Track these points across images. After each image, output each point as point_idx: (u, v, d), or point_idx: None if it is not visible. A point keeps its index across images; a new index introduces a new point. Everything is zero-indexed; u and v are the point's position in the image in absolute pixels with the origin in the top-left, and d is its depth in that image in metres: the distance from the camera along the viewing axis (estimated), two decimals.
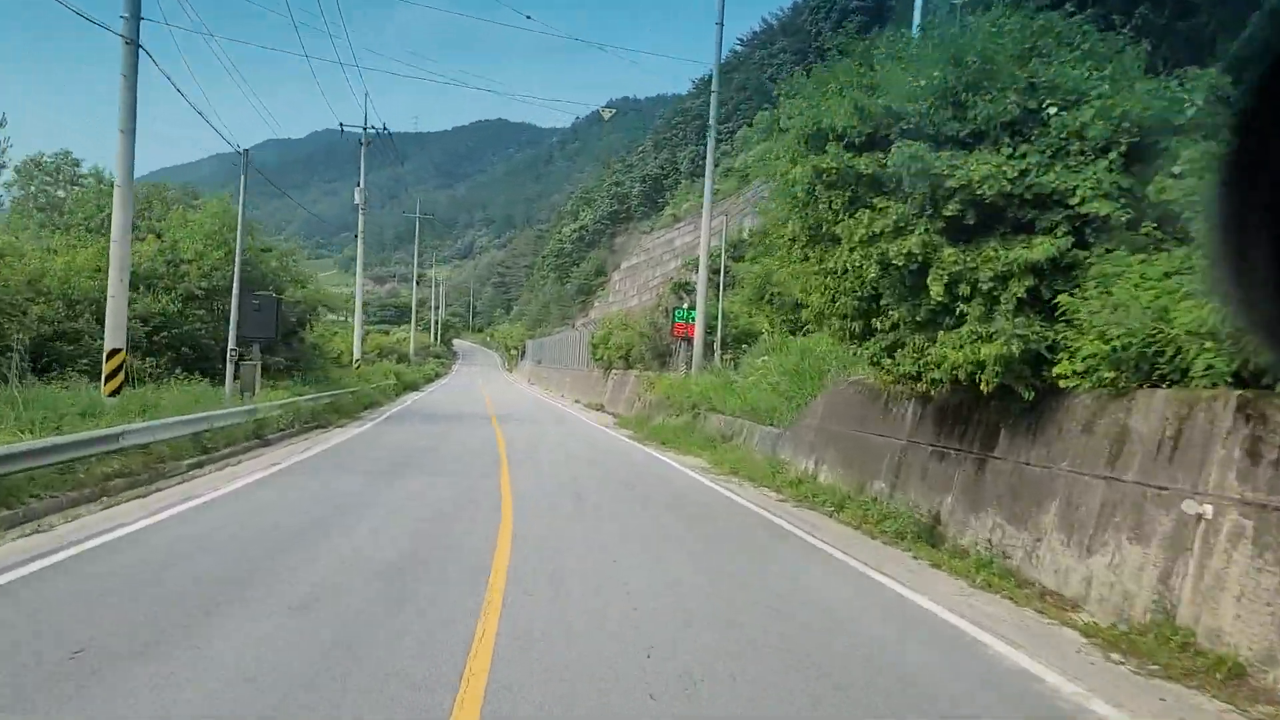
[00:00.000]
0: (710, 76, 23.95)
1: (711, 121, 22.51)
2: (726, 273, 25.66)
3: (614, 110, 67.23)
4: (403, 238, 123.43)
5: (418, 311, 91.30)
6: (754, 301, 27.63)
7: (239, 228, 14.96)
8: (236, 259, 14.48)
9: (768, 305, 27.54)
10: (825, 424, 12.03)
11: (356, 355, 31.94)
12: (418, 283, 74.68)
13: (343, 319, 37.39)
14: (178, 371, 15.57)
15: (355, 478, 11.10)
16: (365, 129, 31.77)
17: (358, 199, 31.44)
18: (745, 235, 32.85)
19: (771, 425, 14.52)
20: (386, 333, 70.86)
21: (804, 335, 19.49)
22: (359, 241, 32.29)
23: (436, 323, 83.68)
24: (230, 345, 14.37)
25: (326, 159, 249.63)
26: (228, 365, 14.34)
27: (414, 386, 40.14)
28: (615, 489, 11.44)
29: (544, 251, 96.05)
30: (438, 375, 60.99)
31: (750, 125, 73.86)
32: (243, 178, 14.51)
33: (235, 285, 14.38)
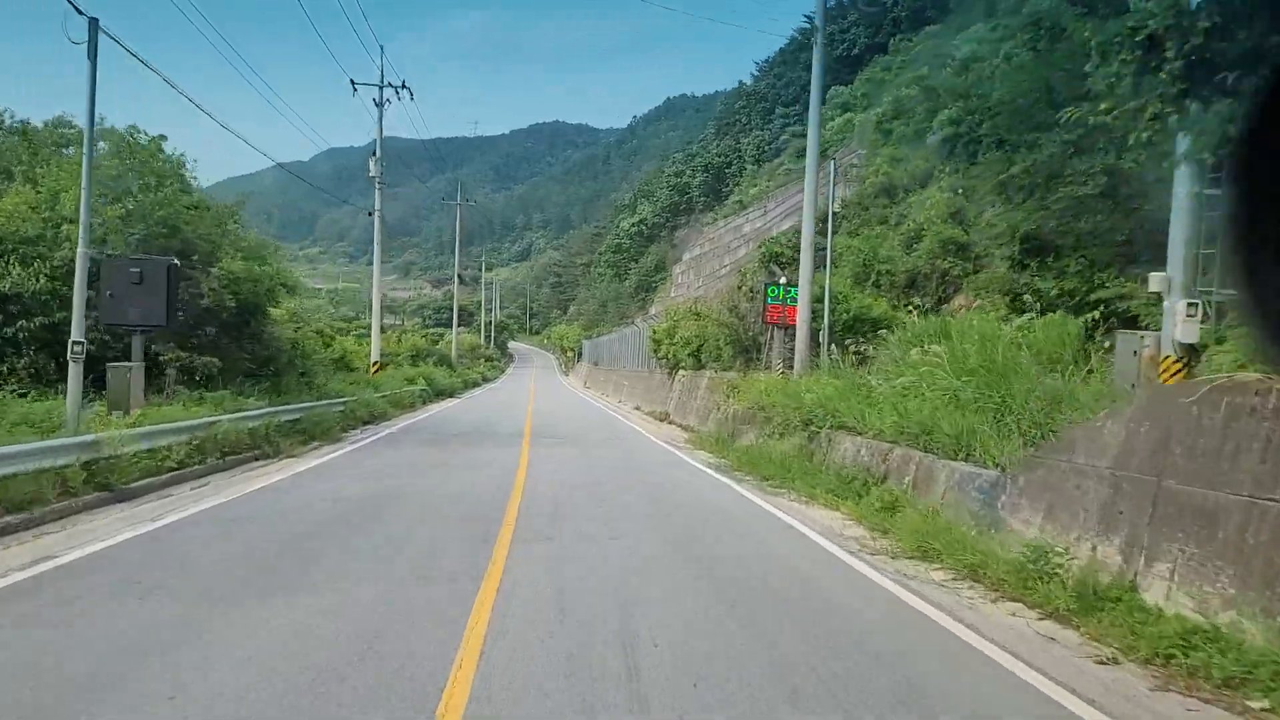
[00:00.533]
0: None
1: (819, 22, 16.27)
2: (823, 250, 19.49)
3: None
4: (462, 241, 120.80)
5: (474, 315, 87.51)
6: (859, 282, 21.43)
7: (86, 136, 9.35)
8: (84, 190, 8.93)
9: (873, 287, 21.31)
10: (1142, 471, 5.81)
11: (375, 357, 26.83)
12: (461, 282, 70.35)
13: (391, 321, 32.56)
14: (44, 376, 10.28)
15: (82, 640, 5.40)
16: (382, 85, 26.64)
17: (373, 170, 26.31)
18: (839, 208, 26.51)
19: (968, 461, 8.35)
20: (439, 336, 66.83)
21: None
22: (376, 222, 27.23)
23: (488, 324, 79.18)
24: (74, 335, 8.90)
25: (388, 165, 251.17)
26: (71, 368, 8.84)
27: (450, 393, 35.01)
28: (733, 640, 4.94)
29: (601, 248, 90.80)
30: (485, 379, 56.17)
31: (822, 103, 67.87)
32: (91, 64, 9.01)
33: (81, 238, 8.88)
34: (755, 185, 63.58)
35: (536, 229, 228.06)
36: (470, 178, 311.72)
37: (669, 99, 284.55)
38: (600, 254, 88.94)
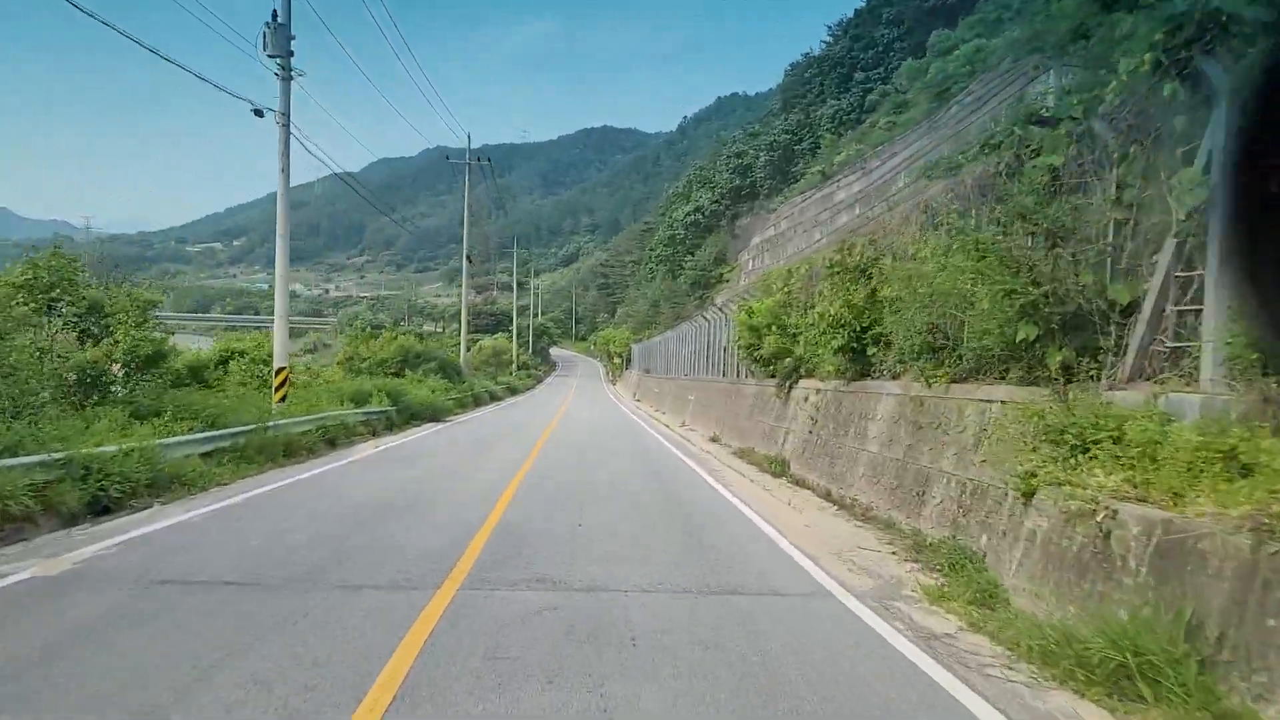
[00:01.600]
0: None
1: None
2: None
3: None
4: (505, 246, 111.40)
5: (516, 318, 77.07)
6: None
7: None
8: None
9: None
10: None
11: (278, 363, 15.67)
12: (505, 288, 59.73)
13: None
14: None
15: None
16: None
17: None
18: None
19: None
20: (472, 343, 56.68)
21: None
22: (281, 192, 15.94)
23: (523, 326, 68.26)
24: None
25: (436, 173, 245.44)
26: None
27: (433, 415, 23.71)
28: None
29: (651, 244, 79.43)
30: (511, 391, 45.05)
31: (918, 56, 56.45)
32: None
33: None
34: (840, 153, 51.76)
35: (584, 233, 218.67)
36: (517, 184, 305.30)
37: (720, 98, 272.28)
38: (650, 250, 77.65)
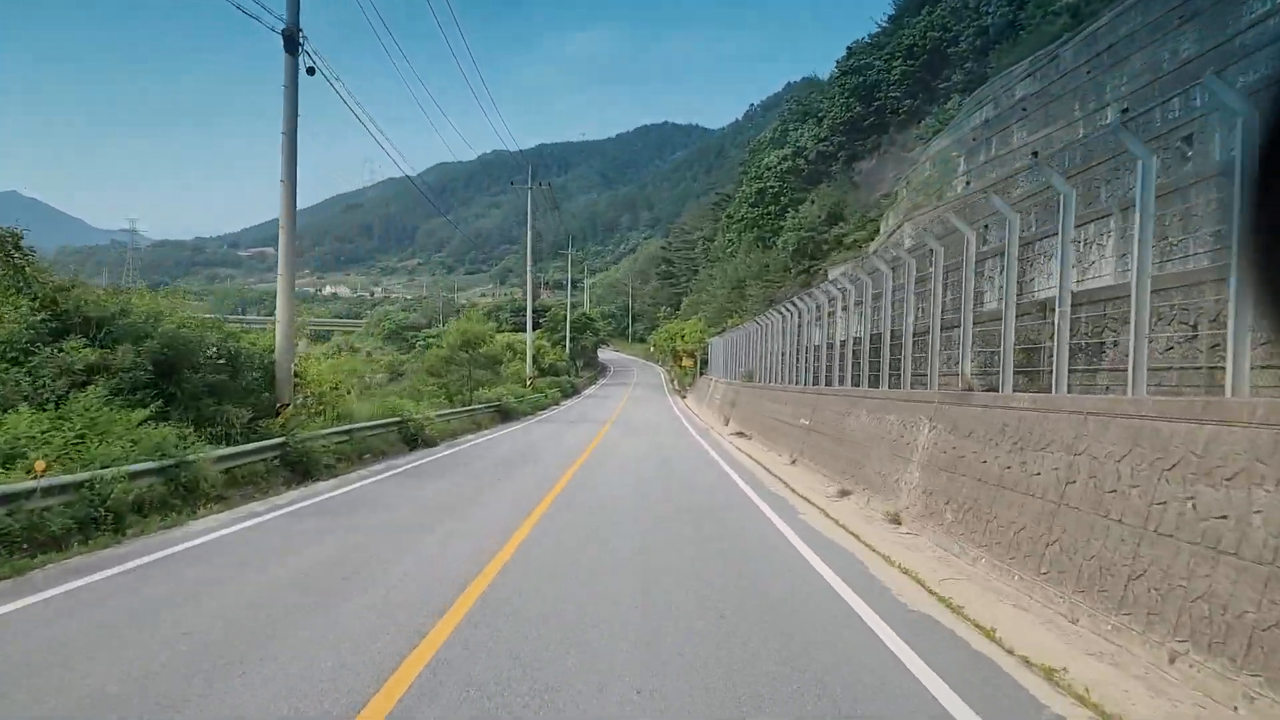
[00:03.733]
0: None
1: None
2: None
3: None
4: (560, 245, 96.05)
5: (563, 316, 61.33)
6: None
7: None
8: None
9: None
10: None
11: None
12: (559, 288, 43.60)
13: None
14: None
15: None
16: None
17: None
18: None
19: None
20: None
21: None
22: None
23: (558, 319, 51.73)
24: None
25: (492, 176, 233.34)
26: None
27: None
28: None
29: (729, 210, 61.93)
30: (519, 414, 28.61)
31: None
32: None
33: None
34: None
35: (643, 228, 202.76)
36: (574, 183, 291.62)
37: (790, 83, 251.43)
38: (729, 218, 60.25)
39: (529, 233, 49.93)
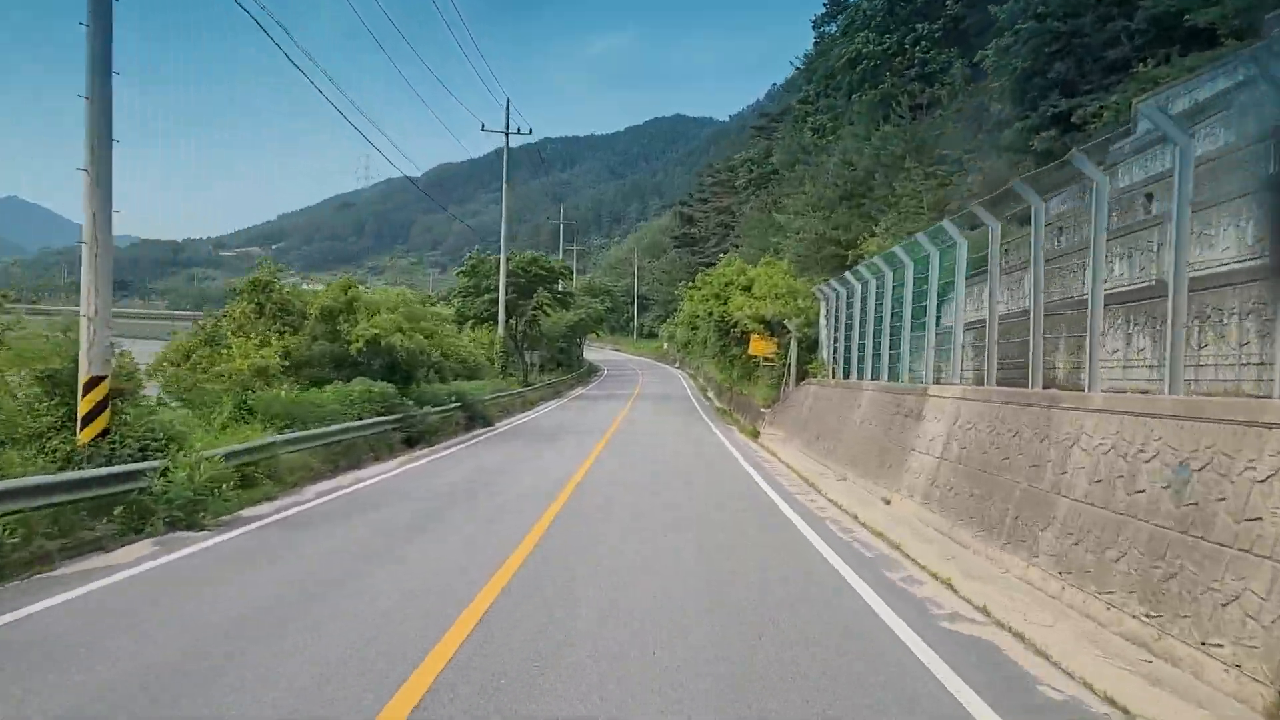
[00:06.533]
0: None
1: None
2: None
3: None
4: (558, 239, 76.25)
5: (571, 296, 42.19)
6: None
7: None
8: None
9: None
10: None
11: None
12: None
13: None
14: None
15: None
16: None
17: None
18: None
19: None
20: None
21: None
22: None
23: (504, 317, 30.53)
24: None
25: (493, 171, 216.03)
26: None
27: None
28: None
29: (804, 97, 40.31)
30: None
31: None
32: None
33: None
34: None
35: (653, 218, 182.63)
36: (582, 177, 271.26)
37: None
38: (803, 106, 38.61)
39: (504, 188, 36.83)
